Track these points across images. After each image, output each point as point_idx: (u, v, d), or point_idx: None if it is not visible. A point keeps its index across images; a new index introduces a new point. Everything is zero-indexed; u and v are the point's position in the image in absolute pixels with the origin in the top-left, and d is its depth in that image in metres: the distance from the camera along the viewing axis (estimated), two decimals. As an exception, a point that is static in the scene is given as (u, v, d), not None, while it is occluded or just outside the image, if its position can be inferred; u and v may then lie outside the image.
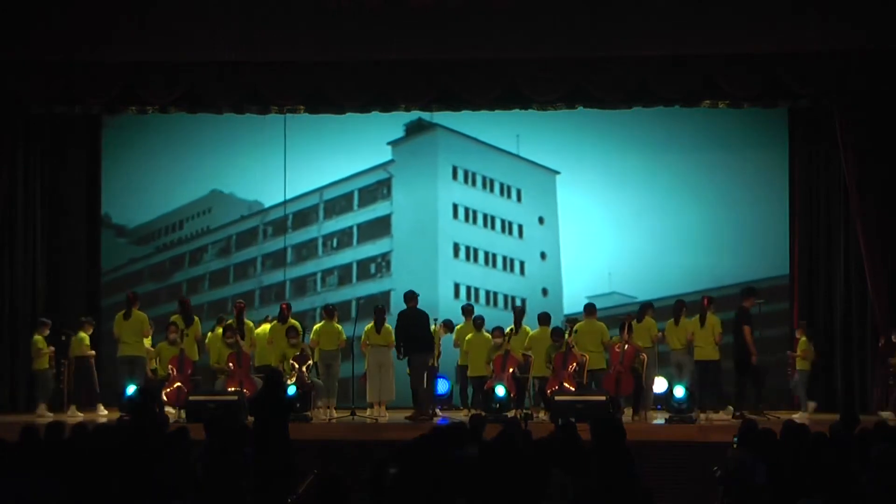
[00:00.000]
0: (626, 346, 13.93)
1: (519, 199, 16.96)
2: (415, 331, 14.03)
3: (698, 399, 13.98)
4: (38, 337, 14.76)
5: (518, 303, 16.24)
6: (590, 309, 14.61)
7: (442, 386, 15.35)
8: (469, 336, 14.65)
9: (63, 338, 15.23)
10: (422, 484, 6.94)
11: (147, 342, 14.76)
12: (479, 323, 14.82)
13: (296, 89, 14.69)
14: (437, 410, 14.62)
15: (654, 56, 14.14)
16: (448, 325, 15.19)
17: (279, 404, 10.25)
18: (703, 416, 13.86)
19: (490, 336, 14.51)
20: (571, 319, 15.00)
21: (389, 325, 14.47)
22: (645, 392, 14.15)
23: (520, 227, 17.00)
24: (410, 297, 14.28)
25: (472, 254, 16.96)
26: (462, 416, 13.43)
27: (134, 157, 16.78)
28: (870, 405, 14.42)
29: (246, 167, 16.82)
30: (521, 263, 16.93)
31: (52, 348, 14.79)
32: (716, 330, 14.07)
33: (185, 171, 16.89)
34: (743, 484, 8.17)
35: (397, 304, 15.41)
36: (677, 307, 14.43)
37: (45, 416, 14.03)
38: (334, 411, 14.22)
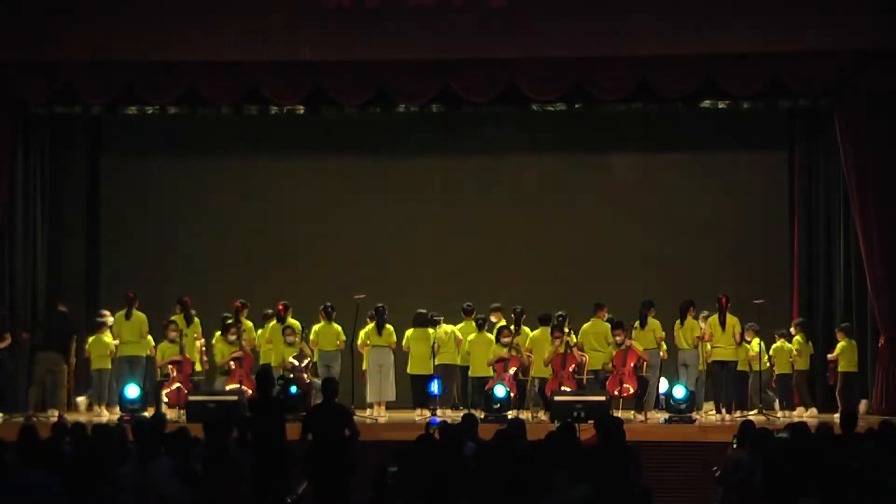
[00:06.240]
0: (630, 350, 13.88)
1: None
2: None
3: (722, 399, 13.98)
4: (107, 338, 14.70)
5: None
6: (597, 308, 14.58)
7: (435, 387, 15.15)
8: (471, 336, 14.61)
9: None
10: (422, 484, 6.95)
11: (150, 340, 14.77)
12: (480, 323, 14.76)
13: (296, 89, 14.68)
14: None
15: (654, 56, 14.13)
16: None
17: (273, 404, 10.23)
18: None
19: (492, 337, 14.46)
20: (562, 315, 14.84)
21: (390, 325, 14.49)
22: (647, 392, 14.11)
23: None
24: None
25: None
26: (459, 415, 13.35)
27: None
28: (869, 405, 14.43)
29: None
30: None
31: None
32: (735, 330, 14.02)
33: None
34: (742, 484, 8.19)
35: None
36: (685, 306, 14.37)
37: (103, 415, 14.19)
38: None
